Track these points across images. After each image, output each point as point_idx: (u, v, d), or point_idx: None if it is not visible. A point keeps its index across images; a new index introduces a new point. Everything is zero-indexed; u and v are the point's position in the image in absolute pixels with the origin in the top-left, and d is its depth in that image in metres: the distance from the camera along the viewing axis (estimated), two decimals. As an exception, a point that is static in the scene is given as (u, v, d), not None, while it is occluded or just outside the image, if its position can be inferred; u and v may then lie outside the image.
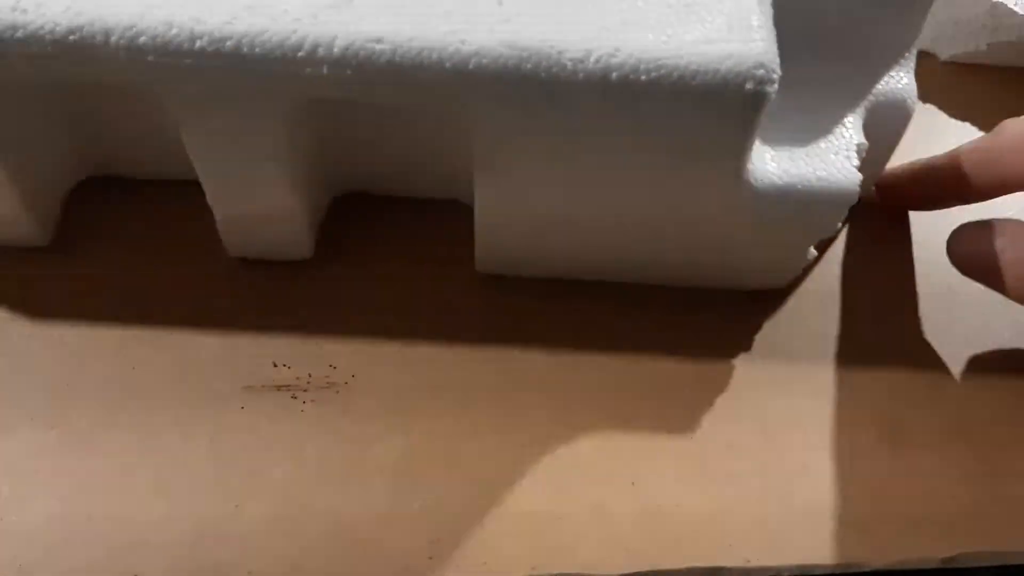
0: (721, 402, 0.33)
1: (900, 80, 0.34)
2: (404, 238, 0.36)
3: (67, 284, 0.34)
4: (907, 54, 0.34)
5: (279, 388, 0.32)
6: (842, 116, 0.33)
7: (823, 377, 0.34)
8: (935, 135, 0.39)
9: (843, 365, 0.34)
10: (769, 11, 0.28)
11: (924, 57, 0.41)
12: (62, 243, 0.35)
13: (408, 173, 0.35)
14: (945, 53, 0.41)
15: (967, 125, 0.39)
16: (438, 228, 0.36)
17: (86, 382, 0.32)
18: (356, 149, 0.34)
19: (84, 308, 0.33)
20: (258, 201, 0.32)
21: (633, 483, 0.31)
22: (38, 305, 0.33)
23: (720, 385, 0.33)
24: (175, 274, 0.34)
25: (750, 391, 0.33)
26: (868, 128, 0.33)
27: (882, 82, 0.33)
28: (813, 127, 0.32)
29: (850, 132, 0.32)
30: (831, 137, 0.32)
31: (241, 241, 0.34)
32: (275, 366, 0.32)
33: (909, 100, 0.34)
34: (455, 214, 0.36)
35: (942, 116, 0.40)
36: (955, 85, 0.40)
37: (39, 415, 0.31)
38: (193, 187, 0.33)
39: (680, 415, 0.32)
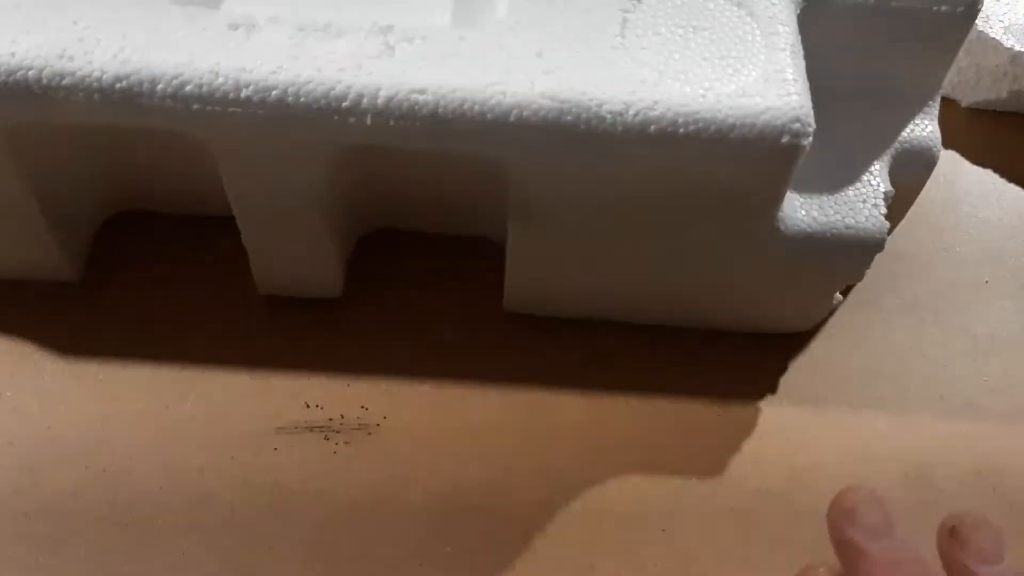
0: (748, 446, 0.33)
1: (925, 128, 0.34)
2: (432, 275, 0.36)
3: (98, 320, 0.34)
4: (931, 102, 0.34)
5: (311, 429, 0.32)
6: (868, 163, 0.33)
7: (848, 419, 0.34)
8: (957, 180, 0.40)
9: (867, 407, 0.34)
10: (802, 63, 0.29)
11: (946, 103, 0.41)
12: (92, 279, 0.35)
13: (438, 211, 0.36)
14: (967, 100, 0.41)
15: (988, 171, 0.40)
16: (466, 265, 0.36)
17: (118, 420, 0.32)
18: (389, 188, 0.34)
19: (116, 345, 0.34)
20: (293, 240, 0.32)
21: (663, 530, 0.31)
22: (70, 342, 0.34)
23: (747, 428, 0.33)
24: (205, 311, 0.35)
25: (776, 433, 0.33)
26: (893, 174, 0.34)
27: (907, 129, 0.34)
28: (840, 174, 0.33)
29: (877, 180, 0.32)
30: (859, 185, 0.32)
31: (272, 279, 0.34)
32: (307, 407, 0.33)
33: (934, 147, 0.34)
34: (482, 251, 0.36)
35: (964, 162, 0.40)
36: (976, 131, 0.41)
37: (70, 452, 0.31)
38: (223, 223, 0.33)
39: (709, 459, 0.33)
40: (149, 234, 0.36)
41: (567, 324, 0.35)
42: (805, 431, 0.33)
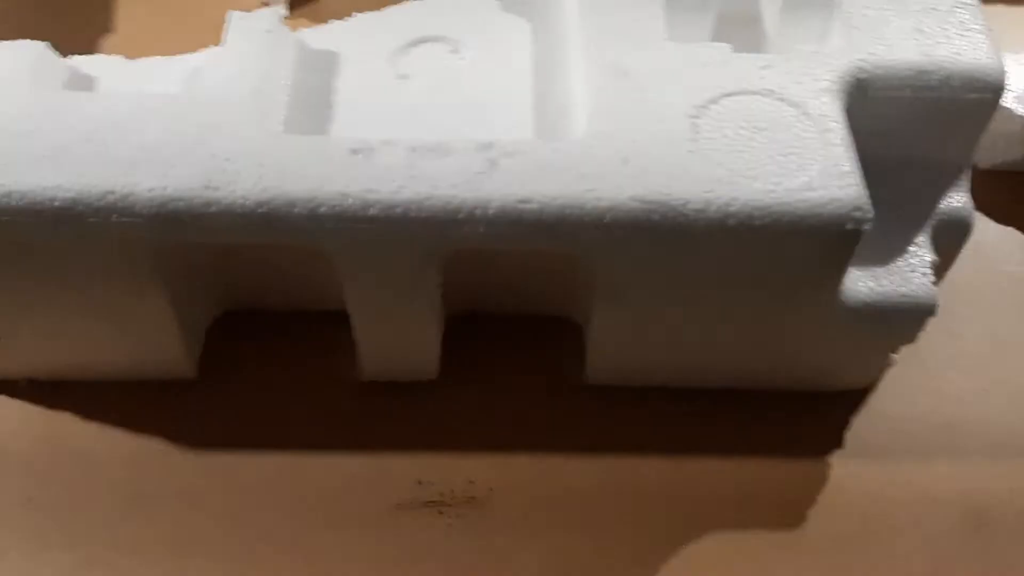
0: (823, 497, 0.36)
1: (959, 199, 0.38)
2: (515, 353, 0.39)
3: (217, 414, 0.37)
4: (963, 175, 0.38)
5: (426, 505, 0.35)
6: (913, 234, 0.37)
7: (910, 467, 0.37)
8: (984, 238, 0.43)
9: (927, 455, 0.37)
10: (855, 156, 0.32)
11: (967, 167, 0.45)
12: (208, 374, 0.38)
13: (521, 295, 0.39)
14: (986, 162, 0.45)
15: (1011, 229, 0.44)
16: (547, 343, 0.39)
17: (246, 509, 0.35)
18: (480, 277, 0.37)
19: (236, 437, 0.37)
20: (401, 330, 0.35)
21: (755, 580, 0.34)
22: (193, 436, 0.37)
23: (820, 480, 0.37)
24: (312, 398, 0.38)
25: (847, 484, 0.36)
26: (934, 242, 0.37)
27: (943, 202, 0.38)
28: (888, 245, 0.36)
29: (923, 251, 0.36)
30: (907, 255, 0.36)
31: (377, 366, 0.37)
32: (420, 483, 0.36)
33: (969, 216, 0.38)
34: (560, 329, 0.39)
35: (988, 221, 0.44)
36: (996, 191, 0.45)
37: (208, 542, 0.34)
38: (320, 316, 0.36)
39: (791, 511, 0.36)
40: (252, 329, 0.39)
41: (644, 391, 0.38)
42: (872, 480, 0.37)
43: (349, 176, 0.31)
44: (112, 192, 0.30)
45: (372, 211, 0.30)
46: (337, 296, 0.37)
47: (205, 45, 0.47)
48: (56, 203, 0.30)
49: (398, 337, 0.36)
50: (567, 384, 0.39)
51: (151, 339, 0.35)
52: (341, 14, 0.47)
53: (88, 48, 0.48)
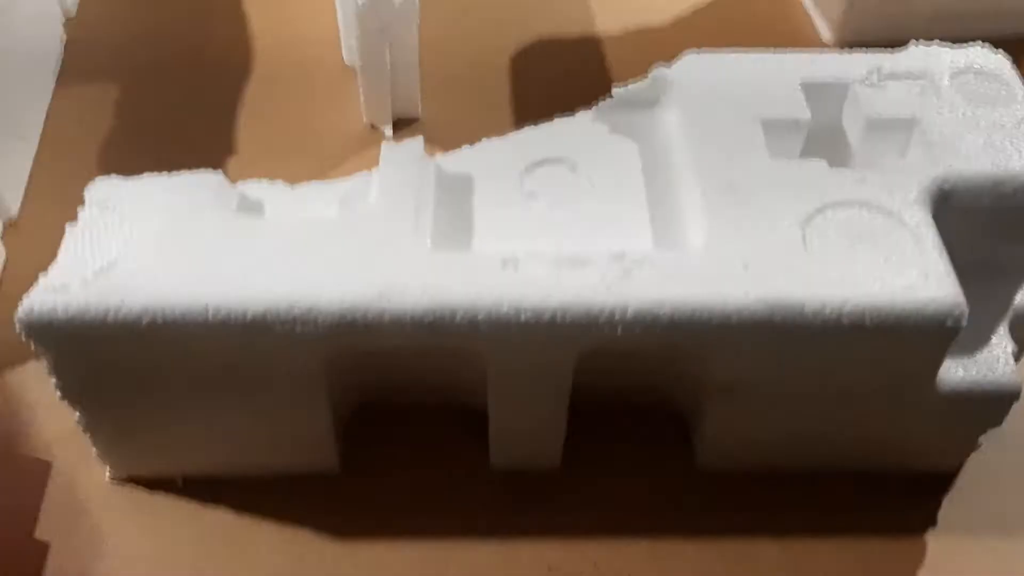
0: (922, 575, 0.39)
1: (1032, 293, 0.41)
2: (627, 443, 0.42)
3: (359, 505, 0.40)
4: (1034, 272, 0.42)
5: (560, 587, 0.38)
6: (994, 326, 0.40)
7: (1000, 545, 0.40)
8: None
9: (1016, 533, 0.40)
10: (947, 257, 0.36)
11: None
12: (347, 467, 0.41)
13: (636, 389, 0.42)
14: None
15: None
16: (653, 433, 0.43)
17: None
18: (604, 372, 0.41)
19: (380, 528, 0.40)
20: (535, 423, 0.39)
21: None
22: (341, 527, 0.40)
23: (918, 559, 0.39)
24: (448, 490, 0.41)
25: (945, 562, 0.39)
26: (1012, 332, 0.41)
27: (1018, 298, 0.41)
28: (975, 336, 0.40)
29: (1005, 341, 0.39)
30: (991, 346, 0.39)
31: (508, 456, 0.40)
32: (550, 570, 0.38)
33: (1042, 309, 0.41)
34: (665, 420, 0.43)
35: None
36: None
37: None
38: (445, 410, 0.39)
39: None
40: (385, 423, 0.43)
41: (750, 477, 0.41)
42: (968, 557, 0.39)
43: (502, 286, 0.34)
44: (297, 305, 0.34)
45: (524, 317, 0.34)
46: (467, 392, 0.40)
47: (320, 164, 0.52)
48: (248, 316, 0.33)
49: (531, 428, 0.39)
50: (679, 471, 0.42)
51: (304, 436, 0.39)
52: (438, 133, 0.52)
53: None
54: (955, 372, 0.38)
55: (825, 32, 0.61)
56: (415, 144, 0.39)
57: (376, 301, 0.34)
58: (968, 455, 0.42)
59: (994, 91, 0.42)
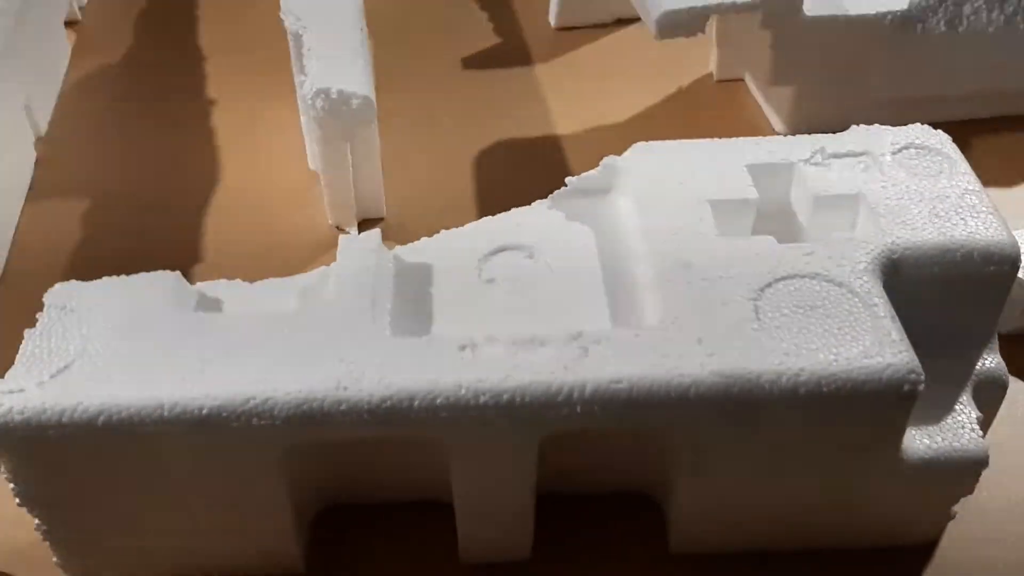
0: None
1: (992, 361, 0.42)
2: (596, 528, 0.42)
3: (325, 605, 0.39)
4: (993, 339, 0.42)
5: None
6: (957, 395, 0.40)
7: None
8: (1016, 397, 0.47)
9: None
10: (899, 324, 0.37)
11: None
12: (313, 568, 0.40)
13: (600, 475, 0.42)
14: (1003, 328, 0.50)
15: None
16: (623, 518, 0.42)
17: None
18: (565, 460, 0.40)
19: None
20: (502, 512, 0.38)
21: None
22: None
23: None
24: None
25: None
26: (975, 400, 0.41)
27: (979, 365, 0.41)
28: (937, 404, 0.40)
29: (969, 409, 0.40)
30: (955, 414, 0.39)
31: (476, 548, 0.40)
32: (527, 660, 0.37)
33: (1003, 376, 0.42)
34: (633, 504, 0.42)
35: (1016, 381, 0.48)
36: (1016, 354, 0.49)
37: None
38: (411, 507, 0.39)
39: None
40: (349, 522, 0.42)
41: (726, 560, 0.41)
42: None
43: (460, 369, 0.35)
44: (253, 398, 0.33)
45: (483, 399, 0.34)
46: (434, 487, 0.40)
47: (286, 267, 0.53)
48: (204, 411, 0.33)
49: (498, 517, 0.38)
50: (652, 556, 0.41)
51: (267, 536, 0.38)
52: (404, 232, 0.52)
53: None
54: (920, 441, 0.38)
55: (777, 124, 0.64)
56: (372, 235, 0.40)
57: (333, 391, 0.34)
58: (944, 525, 0.41)
59: (936, 164, 0.43)
